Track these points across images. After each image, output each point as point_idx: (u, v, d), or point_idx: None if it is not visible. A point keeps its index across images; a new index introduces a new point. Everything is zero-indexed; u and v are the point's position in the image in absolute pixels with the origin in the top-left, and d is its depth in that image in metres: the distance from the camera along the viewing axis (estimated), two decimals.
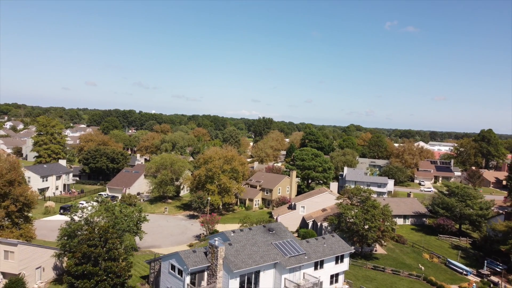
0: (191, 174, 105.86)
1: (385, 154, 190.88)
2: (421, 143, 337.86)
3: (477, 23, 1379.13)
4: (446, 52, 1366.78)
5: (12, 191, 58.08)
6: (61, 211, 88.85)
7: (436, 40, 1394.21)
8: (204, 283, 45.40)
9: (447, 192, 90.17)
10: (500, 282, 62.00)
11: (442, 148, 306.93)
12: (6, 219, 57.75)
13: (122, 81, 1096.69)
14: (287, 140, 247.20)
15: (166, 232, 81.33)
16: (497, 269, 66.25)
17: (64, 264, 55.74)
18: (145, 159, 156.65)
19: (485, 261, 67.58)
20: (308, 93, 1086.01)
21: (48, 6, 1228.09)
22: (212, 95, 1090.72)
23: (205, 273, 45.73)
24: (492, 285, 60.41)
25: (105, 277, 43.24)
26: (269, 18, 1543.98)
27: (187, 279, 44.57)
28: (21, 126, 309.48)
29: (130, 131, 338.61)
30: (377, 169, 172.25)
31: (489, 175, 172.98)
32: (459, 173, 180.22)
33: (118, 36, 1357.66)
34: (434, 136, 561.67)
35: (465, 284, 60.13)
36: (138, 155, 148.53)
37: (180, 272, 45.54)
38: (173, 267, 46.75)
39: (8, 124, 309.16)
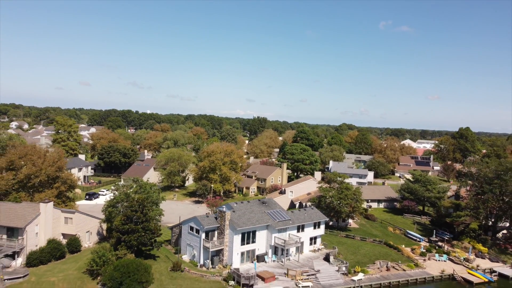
0: (196, 166, 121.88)
1: (370, 150, 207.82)
2: (408, 141, 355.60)
3: (471, 23, 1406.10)
4: (440, 51, 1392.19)
5: (61, 176, 73.94)
6: (87, 197, 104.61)
7: (430, 40, 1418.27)
8: (215, 238, 61.74)
9: (412, 180, 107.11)
10: (443, 245, 79.01)
11: (427, 146, 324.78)
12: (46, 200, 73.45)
13: (116, 80, 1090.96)
14: (280, 138, 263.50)
15: (177, 213, 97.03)
16: (445, 237, 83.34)
17: (104, 231, 71.87)
18: (151, 156, 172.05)
19: (435, 231, 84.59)
20: (303, 93, 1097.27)
21: (41, 5, 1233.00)
22: (206, 94, 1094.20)
23: (216, 232, 62.08)
24: (437, 247, 77.30)
25: (143, 233, 59.34)
26: (263, 18, 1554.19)
27: (203, 236, 60.91)
28: (26, 126, 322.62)
29: (129, 130, 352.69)
30: (362, 163, 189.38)
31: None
32: (438, 168, 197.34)
33: (112, 35, 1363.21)
34: (424, 135, 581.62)
35: (416, 247, 77.02)
36: (145, 151, 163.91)
37: (197, 231, 61.86)
38: (191, 228, 63.07)
39: (13, 124, 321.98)
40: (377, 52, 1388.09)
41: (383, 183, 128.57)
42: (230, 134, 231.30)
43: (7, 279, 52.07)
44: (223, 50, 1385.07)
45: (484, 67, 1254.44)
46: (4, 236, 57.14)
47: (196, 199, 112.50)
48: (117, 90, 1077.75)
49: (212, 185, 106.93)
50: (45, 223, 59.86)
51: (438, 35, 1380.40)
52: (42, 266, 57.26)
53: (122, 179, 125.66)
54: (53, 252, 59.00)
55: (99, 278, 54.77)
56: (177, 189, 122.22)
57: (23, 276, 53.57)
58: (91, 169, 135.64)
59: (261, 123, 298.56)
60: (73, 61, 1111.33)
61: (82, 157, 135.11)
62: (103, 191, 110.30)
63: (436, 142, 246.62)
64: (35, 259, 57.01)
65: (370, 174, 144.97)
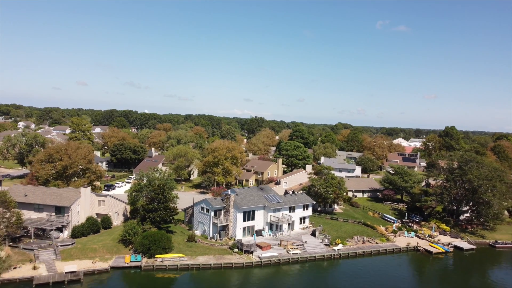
0: (200, 161, 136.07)
1: (360, 148, 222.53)
2: (400, 140, 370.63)
3: (469, 22, 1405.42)
4: (437, 51, 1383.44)
5: (91, 167, 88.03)
6: (105, 188, 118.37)
7: (427, 39, 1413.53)
8: (221, 216, 76.05)
9: (392, 172, 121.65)
10: (413, 225, 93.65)
11: (418, 144, 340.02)
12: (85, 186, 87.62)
13: (113, 80, 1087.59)
14: (277, 137, 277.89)
15: (186, 201, 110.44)
16: (415, 220, 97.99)
17: (128, 213, 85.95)
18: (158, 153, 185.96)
19: (407, 214, 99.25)
20: (300, 92, 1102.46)
21: (38, 5, 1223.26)
22: (204, 94, 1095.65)
23: (222, 211, 76.37)
24: (407, 227, 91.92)
25: (164, 212, 73.54)
26: (261, 17, 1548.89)
27: (212, 214, 75.22)
28: (32, 126, 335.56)
29: (131, 129, 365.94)
30: (353, 160, 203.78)
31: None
32: (424, 164, 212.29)
33: (109, 35, 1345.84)
34: (419, 134, 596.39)
35: (389, 226, 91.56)
36: (153, 148, 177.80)
37: (207, 210, 76.16)
38: (202, 208, 77.38)
39: (21, 124, 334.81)
40: (374, 51, 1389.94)
41: (368, 176, 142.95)
42: (229, 133, 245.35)
43: (59, 245, 66.17)
44: (221, 50, 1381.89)
45: (481, 67, 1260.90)
46: (53, 214, 71.16)
47: (201, 190, 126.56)
48: (114, 90, 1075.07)
49: (215, 178, 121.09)
50: (84, 204, 74.01)
51: (435, 35, 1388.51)
52: (83, 238, 71.36)
53: (134, 173, 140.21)
54: (91, 227, 73.13)
55: (130, 246, 68.93)
56: (183, 182, 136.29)
57: (71, 244, 67.67)
58: (105, 164, 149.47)
59: (258, 123, 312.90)
60: (70, 61, 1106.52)
61: (97, 153, 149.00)
62: (119, 183, 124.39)
63: (424, 140, 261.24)
64: (78, 232, 71.11)
65: (358, 169, 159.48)
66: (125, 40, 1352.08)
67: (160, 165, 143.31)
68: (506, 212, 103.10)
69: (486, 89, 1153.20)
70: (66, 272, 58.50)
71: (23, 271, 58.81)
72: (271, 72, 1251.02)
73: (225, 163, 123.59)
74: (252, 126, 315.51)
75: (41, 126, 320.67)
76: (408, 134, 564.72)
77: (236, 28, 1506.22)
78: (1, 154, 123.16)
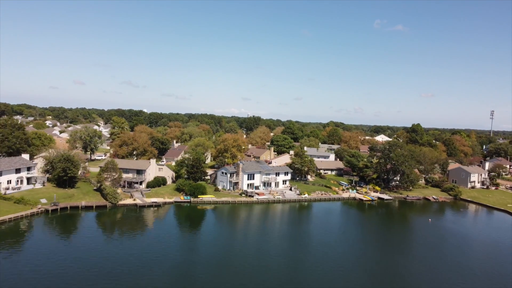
0: (214, 149, 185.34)
1: (338, 141, 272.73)
2: (382, 136, 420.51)
3: (467, 21, 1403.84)
4: (434, 49, 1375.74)
5: (148, 149, 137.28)
6: None
7: (425, 38, 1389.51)
8: (234, 176, 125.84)
9: (350, 156, 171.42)
10: (357, 187, 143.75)
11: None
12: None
13: (111, 79, 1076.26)
14: (272, 134, 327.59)
15: None
16: (360, 184, 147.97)
17: (173, 178, 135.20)
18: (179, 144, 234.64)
19: (353, 181, 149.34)
20: (298, 91, 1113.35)
21: (35, 4, 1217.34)
22: (201, 93, 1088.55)
23: (234, 174, 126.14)
24: (353, 187, 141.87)
25: (199, 175, 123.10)
26: (258, 16, 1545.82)
27: (229, 175, 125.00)
28: (58, 124, 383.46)
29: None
30: (332, 150, 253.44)
31: None
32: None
33: (107, 34, 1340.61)
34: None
35: (341, 187, 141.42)
36: (174, 141, 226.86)
37: (225, 174, 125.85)
38: (223, 172, 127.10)
39: (48, 123, 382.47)
40: (372, 50, 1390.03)
41: (335, 159, 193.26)
42: (232, 129, 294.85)
43: (143, 191, 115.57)
44: (219, 49, 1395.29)
45: (478, 65, 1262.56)
46: (136, 174, 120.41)
47: (215, 170, 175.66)
48: (111, 89, 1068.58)
49: (226, 160, 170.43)
50: (152, 169, 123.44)
51: (432, 34, 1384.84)
52: (153, 188, 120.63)
53: (164, 159, 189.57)
54: (157, 182, 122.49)
55: (181, 192, 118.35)
56: None
57: (148, 190, 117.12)
58: None
59: (256, 121, 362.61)
60: (67, 60, 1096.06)
61: None
62: None
63: (395, 136, 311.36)
64: (150, 185, 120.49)
65: (332, 156, 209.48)
66: (123, 39, 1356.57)
67: (182, 153, 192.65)
68: (423, 180, 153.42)
69: (483, 88, 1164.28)
70: (152, 201, 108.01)
71: (128, 201, 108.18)
72: (269, 71, 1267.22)
73: (232, 149, 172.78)
74: (250, 124, 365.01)
75: (70, 124, 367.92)
76: (395, 131, 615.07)
77: (234, 27, 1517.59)
78: (71, 144, 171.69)
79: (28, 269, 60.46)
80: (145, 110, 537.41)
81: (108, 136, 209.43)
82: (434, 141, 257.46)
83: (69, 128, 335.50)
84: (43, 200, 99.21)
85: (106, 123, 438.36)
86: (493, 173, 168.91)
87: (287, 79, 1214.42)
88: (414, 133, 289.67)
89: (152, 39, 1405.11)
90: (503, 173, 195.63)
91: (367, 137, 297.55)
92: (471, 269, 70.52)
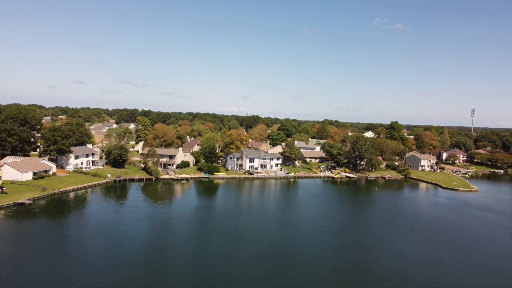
0: (222, 141, 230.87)
1: (326, 137, 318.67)
2: (369, 133, 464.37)
3: (466, 20, 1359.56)
4: (434, 47, 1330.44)
5: (175, 141, 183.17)
6: None
7: (425, 36, 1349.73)
8: (239, 160, 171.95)
9: (329, 147, 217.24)
10: (332, 170, 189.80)
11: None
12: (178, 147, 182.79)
13: (110, 78, 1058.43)
14: (269, 131, 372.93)
15: None
16: (335, 168, 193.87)
17: (194, 162, 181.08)
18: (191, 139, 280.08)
19: (329, 165, 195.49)
20: (297, 89, 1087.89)
21: (34, 3, 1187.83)
22: (201, 92, 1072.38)
23: (240, 158, 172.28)
24: (329, 170, 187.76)
25: (214, 159, 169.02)
26: (257, 14, 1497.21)
27: (235, 159, 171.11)
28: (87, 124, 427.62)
29: None
30: (320, 144, 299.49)
31: None
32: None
33: (106, 33, 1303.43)
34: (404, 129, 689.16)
35: (320, 170, 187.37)
36: (187, 136, 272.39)
37: (233, 158, 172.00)
38: (231, 157, 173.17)
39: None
40: (371, 48, 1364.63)
41: (320, 150, 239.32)
42: (235, 127, 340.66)
43: (174, 170, 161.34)
44: (218, 47, 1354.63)
45: (478, 63, 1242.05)
46: (168, 158, 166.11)
47: (225, 156, 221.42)
48: (111, 88, 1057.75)
49: (231, 151, 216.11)
50: (179, 155, 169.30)
51: (432, 32, 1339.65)
52: (181, 169, 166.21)
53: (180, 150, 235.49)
54: (183, 165, 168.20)
55: (202, 171, 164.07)
56: None
57: (178, 170, 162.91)
58: None
59: (255, 120, 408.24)
60: (67, 59, 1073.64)
61: None
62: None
63: (376, 131, 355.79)
64: (178, 166, 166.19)
65: (317, 148, 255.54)
66: (122, 38, 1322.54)
67: (196, 145, 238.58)
68: (384, 164, 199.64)
69: (483, 86, 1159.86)
70: (182, 177, 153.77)
71: (166, 177, 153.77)
72: (268, 69, 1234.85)
73: (237, 142, 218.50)
74: (249, 122, 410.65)
75: (94, 124, 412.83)
76: (387, 128, 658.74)
77: (233, 25, 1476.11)
78: (109, 139, 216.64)
79: (113, 209, 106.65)
80: (145, 109, 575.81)
81: (134, 132, 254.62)
82: (406, 136, 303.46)
83: (91, 127, 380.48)
84: (109, 175, 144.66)
85: (118, 123, 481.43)
86: (448, 161, 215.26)
87: (286, 78, 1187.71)
88: (392, 130, 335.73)
89: (152, 38, 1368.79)
90: (457, 161, 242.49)
91: (350, 133, 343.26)
92: (401, 212, 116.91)
